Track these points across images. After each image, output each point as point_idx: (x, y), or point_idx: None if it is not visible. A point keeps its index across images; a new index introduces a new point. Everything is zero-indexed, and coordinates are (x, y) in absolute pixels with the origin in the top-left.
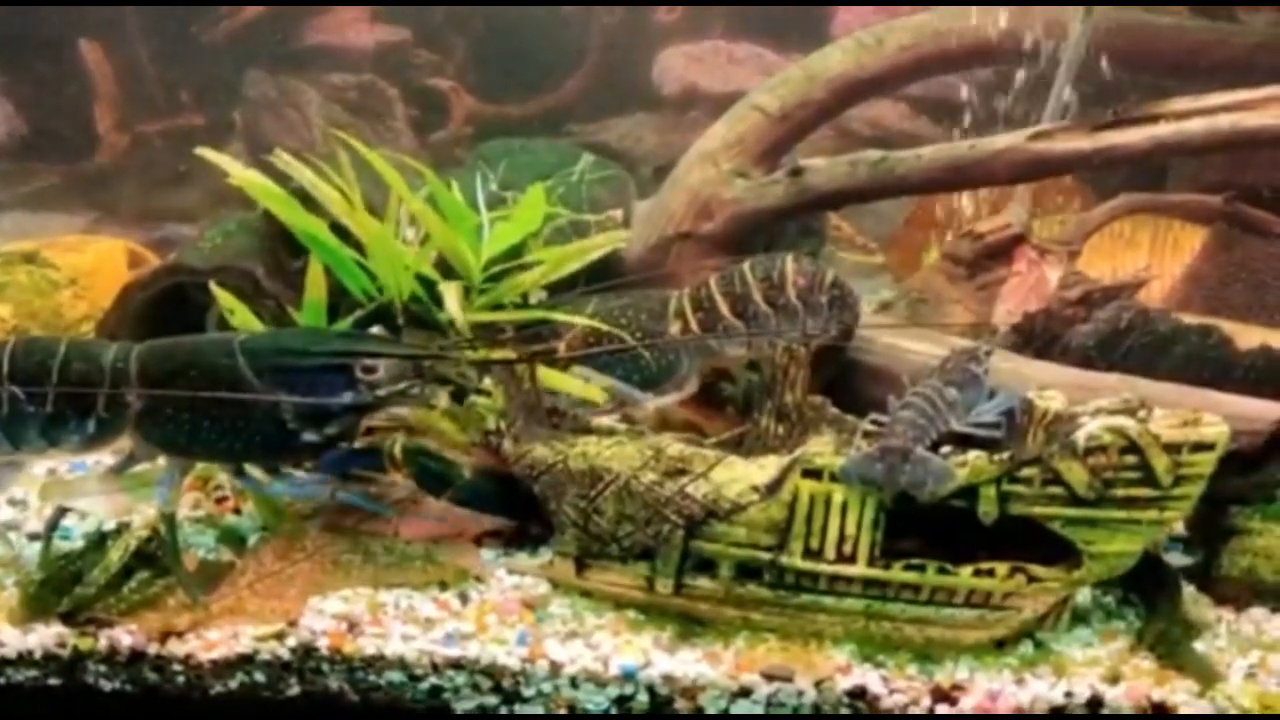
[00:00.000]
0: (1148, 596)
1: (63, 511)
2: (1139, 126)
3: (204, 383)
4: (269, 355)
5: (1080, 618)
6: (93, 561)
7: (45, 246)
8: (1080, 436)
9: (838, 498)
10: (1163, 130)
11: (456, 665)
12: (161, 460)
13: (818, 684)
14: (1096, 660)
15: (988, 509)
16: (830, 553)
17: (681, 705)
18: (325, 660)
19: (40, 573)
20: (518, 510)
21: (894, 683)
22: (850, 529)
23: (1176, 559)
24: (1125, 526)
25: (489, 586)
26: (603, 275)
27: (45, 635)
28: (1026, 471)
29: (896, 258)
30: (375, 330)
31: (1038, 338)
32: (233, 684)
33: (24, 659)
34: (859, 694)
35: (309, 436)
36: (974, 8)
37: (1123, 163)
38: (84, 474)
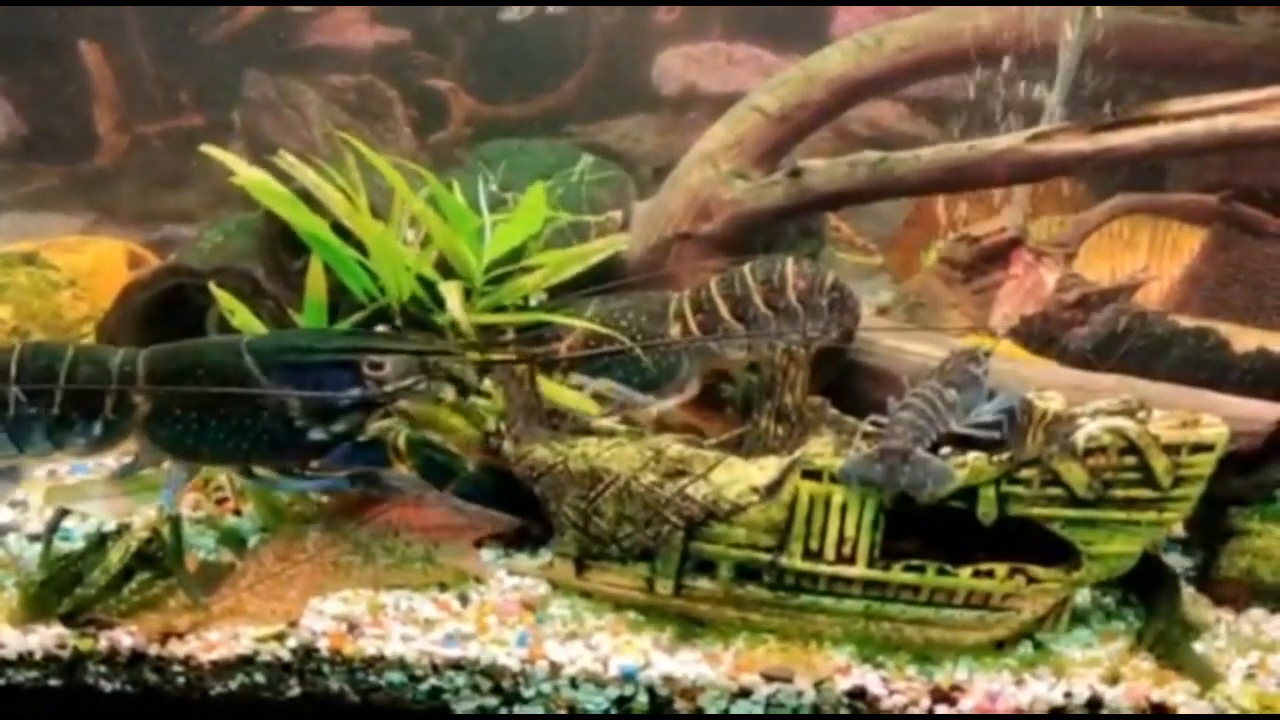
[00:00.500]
0: (1147, 597)
1: (63, 513)
2: (1138, 128)
3: (212, 383)
4: (276, 353)
5: (1080, 618)
6: (93, 563)
7: (45, 247)
8: (1080, 437)
9: (837, 499)
10: (1161, 131)
11: (456, 666)
12: (165, 464)
13: (817, 685)
14: (1096, 661)
15: (987, 510)
16: (830, 554)
17: (681, 706)
18: (325, 661)
19: (41, 574)
20: (519, 507)
21: (893, 683)
22: (850, 530)
23: (1176, 560)
24: (1125, 527)
25: (489, 588)
26: (603, 276)
27: (46, 636)
28: (1026, 472)
29: (896, 259)
30: (381, 329)
31: (1035, 340)
32: (233, 685)
33: (24, 660)
34: (859, 695)
35: (316, 434)
36: (973, 8)
37: (1121, 164)
38: (89, 477)
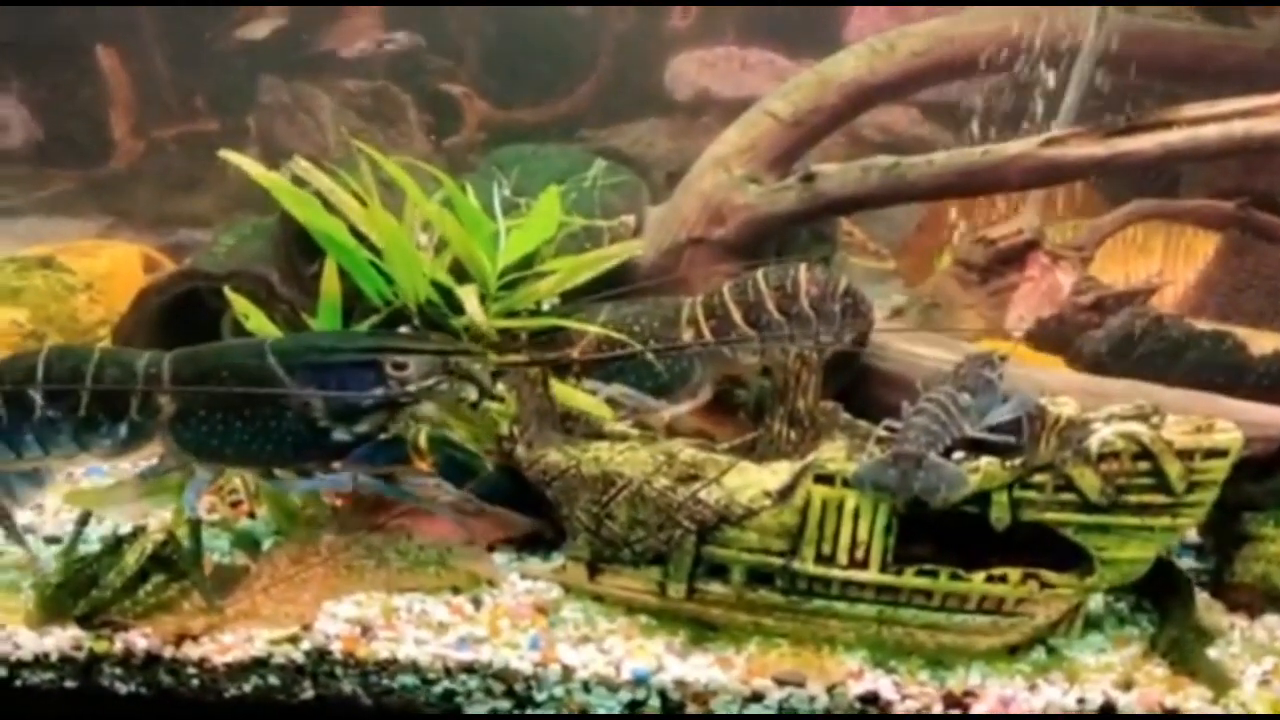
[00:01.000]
0: (1161, 603)
1: (88, 517)
2: (1151, 132)
3: (236, 384)
4: (300, 354)
5: (1093, 624)
6: (108, 565)
7: (61, 251)
8: (1093, 442)
9: (850, 503)
10: (1175, 136)
11: (469, 669)
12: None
13: (830, 689)
14: (1109, 666)
15: (1000, 515)
16: (843, 558)
17: (693, 710)
18: (339, 664)
19: (57, 576)
20: (534, 508)
21: (906, 688)
22: (863, 535)
23: (1189, 565)
24: (1138, 533)
25: (501, 591)
26: (615, 281)
27: (61, 638)
28: (1039, 477)
29: (908, 263)
30: (402, 330)
31: (1050, 343)
32: (247, 687)
33: (40, 661)
34: (871, 699)
35: (339, 435)
36: (985, 11)
37: (1136, 169)
38: (109, 481)
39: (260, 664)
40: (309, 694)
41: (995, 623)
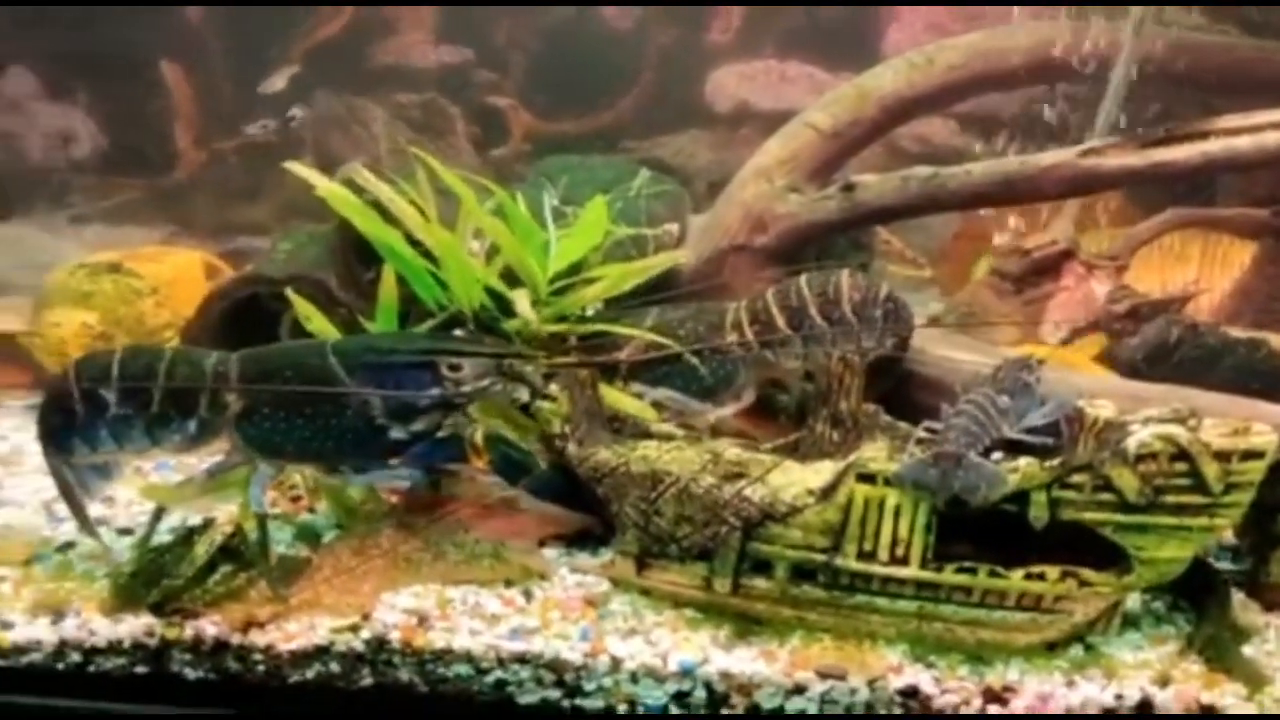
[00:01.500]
0: (1197, 602)
1: (162, 510)
2: (1188, 143)
3: (299, 383)
4: (360, 355)
5: (1131, 622)
6: (180, 556)
7: (128, 257)
8: (1131, 444)
9: (891, 502)
10: (1211, 147)
11: (521, 659)
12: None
13: (871, 683)
14: (1147, 663)
15: (1039, 514)
16: (884, 555)
17: (737, 701)
18: (396, 653)
19: (131, 565)
20: (583, 505)
21: (946, 683)
22: (903, 532)
23: (1225, 566)
24: (1176, 533)
25: (552, 584)
26: (659, 287)
27: (135, 625)
28: (1077, 478)
29: (945, 271)
30: (458, 333)
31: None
32: (309, 674)
33: (114, 647)
34: (911, 693)
35: (396, 433)
36: (1023, 26)
37: (1172, 178)
38: (183, 477)
39: (322, 651)
40: (368, 681)
41: (1034, 620)
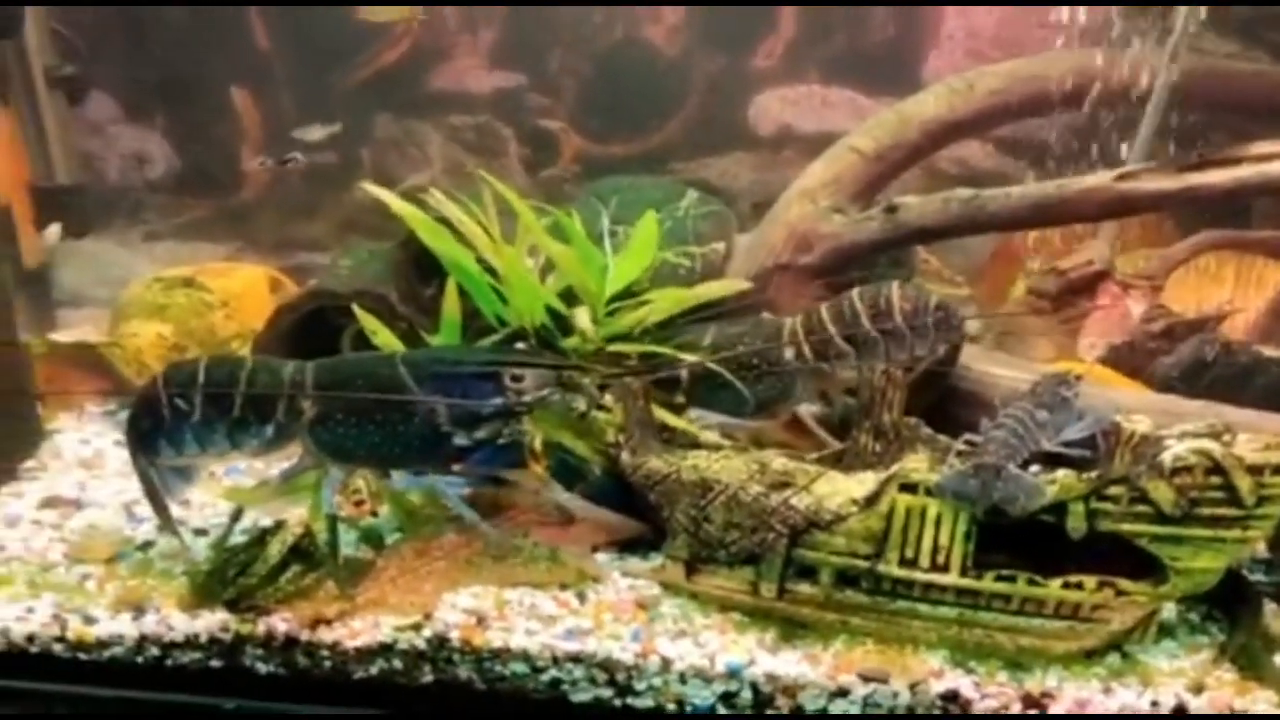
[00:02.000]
0: (1230, 612)
1: (240, 512)
2: (1222, 168)
3: (370, 391)
4: (428, 366)
5: (1166, 631)
6: (254, 555)
7: (200, 272)
8: (1167, 458)
9: (932, 511)
10: (1245, 171)
11: (575, 659)
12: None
13: (912, 687)
14: (1181, 671)
15: (1077, 525)
16: (925, 562)
17: (782, 703)
18: (456, 651)
19: (208, 564)
20: (635, 512)
21: (985, 688)
22: (944, 540)
23: (1258, 577)
24: (1210, 544)
25: (605, 587)
26: (707, 303)
27: (210, 621)
28: (1114, 490)
29: (982, 291)
30: (520, 346)
31: (1122, 369)
32: (373, 670)
33: (190, 642)
34: (951, 697)
35: (460, 440)
36: (1061, 53)
37: (1206, 202)
38: (262, 481)
39: (386, 649)
40: (428, 678)
41: (1072, 627)
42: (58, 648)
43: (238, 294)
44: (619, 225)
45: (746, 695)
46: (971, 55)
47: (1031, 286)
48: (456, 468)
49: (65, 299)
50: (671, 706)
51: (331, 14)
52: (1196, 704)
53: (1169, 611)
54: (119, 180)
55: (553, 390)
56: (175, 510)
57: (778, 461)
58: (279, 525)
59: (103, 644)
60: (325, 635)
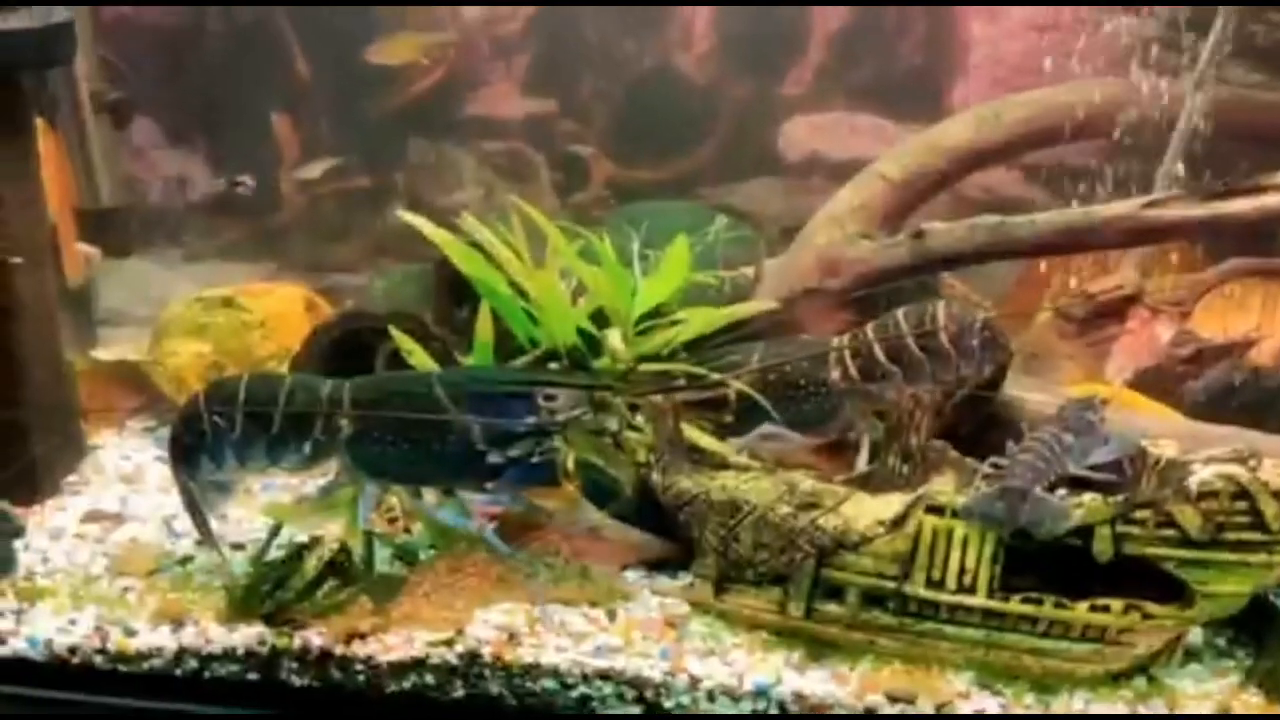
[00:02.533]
0: (1257, 636)
1: (279, 527)
2: (1248, 196)
3: (407, 410)
4: (464, 385)
5: (1192, 655)
6: (291, 570)
7: (239, 292)
8: (1193, 482)
9: (959, 533)
10: (1270, 200)
11: (604, 676)
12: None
13: (939, 707)
14: (1208, 694)
15: (1103, 548)
16: (951, 584)
17: None
18: (488, 666)
19: (247, 578)
20: (665, 531)
21: (1012, 709)
22: (970, 562)
23: None
24: (1236, 568)
25: (635, 605)
26: (738, 324)
27: (248, 634)
28: (1141, 514)
29: (1007, 316)
30: (553, 366)
31: (1149, 393)
32: (406, 685)
33: (228, 655)
34: None
35: (494, 458)
36: (1088, 82)
37: (1232, 231)
38: (300, 497)
39: (419, 663)
40: (460, 693)
41: (1098, 650)
42: (99, 659)
43: (275, 314)
44: (649, 249)
45: (774, 714)
46: (998, 84)
47: (1060, 310)
48: (490, 485)
49: (107, 318)
50: None
51: (369, 41)
52: None
53: (1195, 635)
54: (160, 202)
55: (585, 410)
56: (214, 525)
57: (806, 483)
58: (316, 541)
59: (142, 656)
60: (359, 650)
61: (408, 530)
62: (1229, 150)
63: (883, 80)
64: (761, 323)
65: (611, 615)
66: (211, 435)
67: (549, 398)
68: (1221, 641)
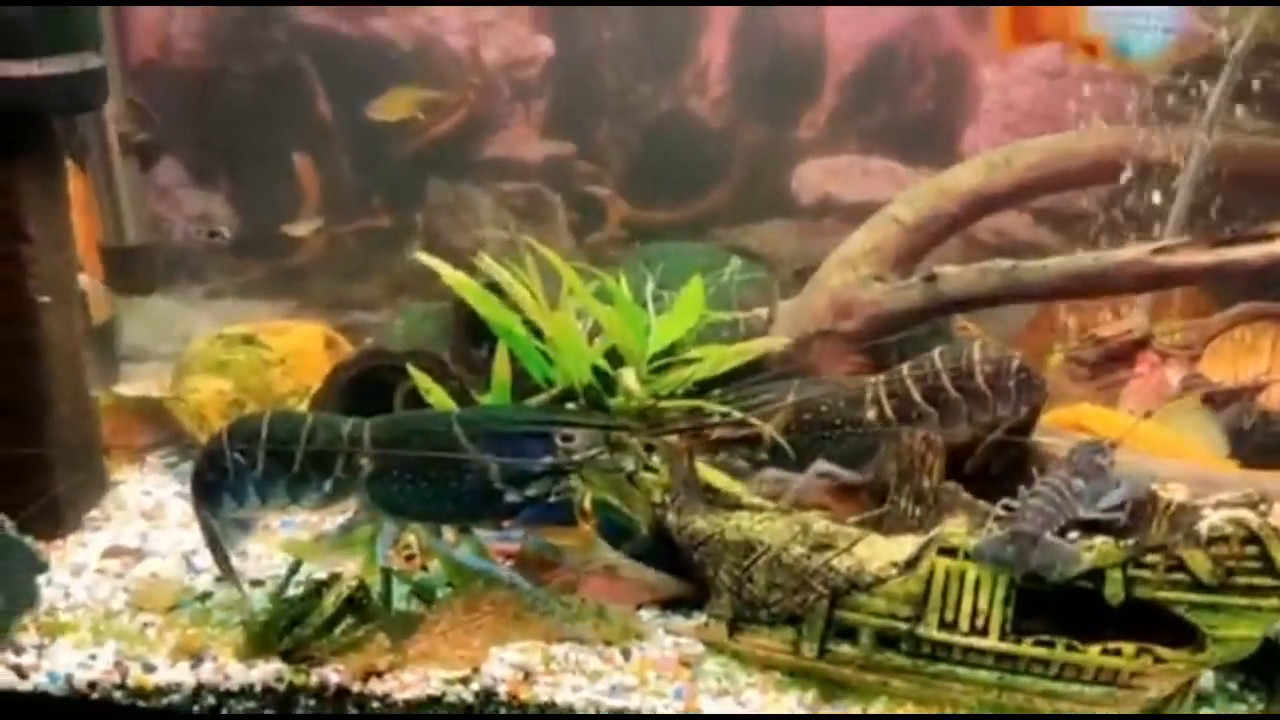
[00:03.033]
0: (1268, 680)
1: (299, 564)
2: (1256, 243)
3: (426, 448)
4: (482, 424)
5: (1204, 699)
6: (310, 606)
7: (259, 329)
8: (1203, 527)
9: (971, 575)
10: (1278, 247)
11: (619, 715)
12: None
13: None
14: None
15: (1114, 591)
16: (964, 625)
17: None
18: (503, 704)
19: (265, 615)
20: (679, 570)
21: None
22: (983, 604)
23: None
24: (1247, 612)
25: (650, 645)
26: (751, 367)
27: (265, 671)
28: (1151, 558)
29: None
30: (570, 406)
31: None
32: None
33: (245, 691)
34: None
35: (511, 497)
36: (1099, 129)
37: (1240, 277)
38: (319, 534)
39: (434, 701)
40: None
41: (1111, 694)
42: (118, 695)
43: (295, 351)
44: (664, 290)
45: None
46: (1008, 129)
47: (1070, 354)
48: (506, 524)
49: (130, 354)
50: None
51: (390, 85)
52: None
53: (1207, 679)
54: (183, 241)
55: (602, 449)
56: (233, 561)
57: (819, 524)
58: (334, 578)
59: (161, 691)
60: (376, 687)
61: (425, 568)
62: (1238, 196)
63: (895, 124)
64: (776, 365)
65: (626, 654)
66: (234, 473)
67: (566, 438)
68: (1233, 685)
